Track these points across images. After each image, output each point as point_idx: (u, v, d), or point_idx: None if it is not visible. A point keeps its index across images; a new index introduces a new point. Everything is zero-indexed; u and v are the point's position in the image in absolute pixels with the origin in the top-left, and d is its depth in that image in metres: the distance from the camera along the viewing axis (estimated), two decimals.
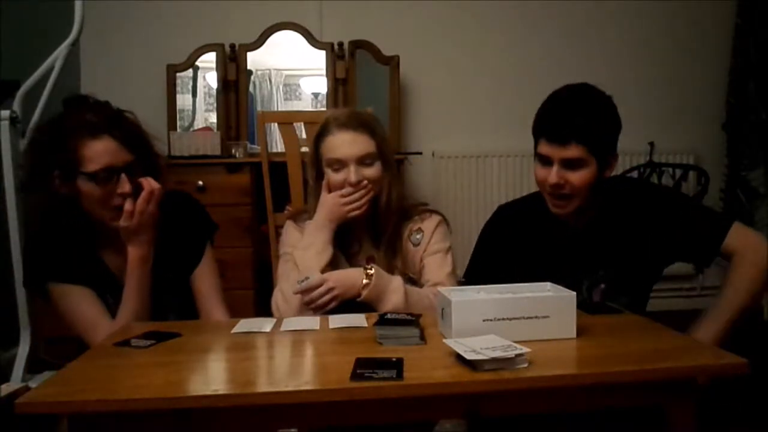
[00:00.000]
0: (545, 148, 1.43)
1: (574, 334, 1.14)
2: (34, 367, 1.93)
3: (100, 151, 1.37)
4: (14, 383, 1.77)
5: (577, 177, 1.41)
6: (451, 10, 3.51)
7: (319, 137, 1.57)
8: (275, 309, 1.51)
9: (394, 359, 1.01)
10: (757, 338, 2.97)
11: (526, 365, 0.98)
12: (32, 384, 1.52)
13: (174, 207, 1.54)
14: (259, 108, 3.40)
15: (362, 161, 1.52)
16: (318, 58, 3.33)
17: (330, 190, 1.53)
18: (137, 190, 1.41)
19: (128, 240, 1.42)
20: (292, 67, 3.51)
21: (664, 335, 1.19)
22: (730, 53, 3.56)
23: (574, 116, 1.40)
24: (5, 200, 1.96)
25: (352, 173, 1.50)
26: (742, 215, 3.52)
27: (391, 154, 1.60)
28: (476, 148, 3.52)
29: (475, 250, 1.65)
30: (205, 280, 1.56)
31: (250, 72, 3.35)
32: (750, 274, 1.42)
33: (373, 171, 1.53)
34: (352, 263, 1.57)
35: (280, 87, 3.53)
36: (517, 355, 0.97)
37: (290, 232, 1.62)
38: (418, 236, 1.58)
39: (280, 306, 1.50)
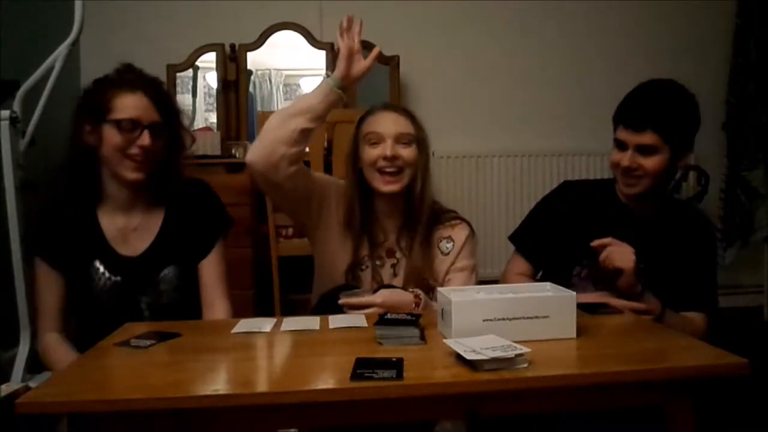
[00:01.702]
0: (622, 134, 1.51)
1: (574, 334, 1.14)
2: (34, 367, 1.92)
3: (130, 104, 1.45)
4: (14, 383, 1.76)
5: (649, 162, 1.49)
6: (451, 10, 3.51)
7: (361, 120, 1.58)
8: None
9: (394, 359, 1.01)
10: (757, 338, 2.97)
11: (526, 365, 0.98)
12: (32, 384, 1.52)
13: (191, 196, 1.57)
14: (259, 108, 3.41)
15: (400, 140, 1.51)
16: (318, 58, 3.33)
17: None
18: (153, 152, 1.45)
19: None
20: (292, 67, 3.52)
21: (664, 335, 1.19)
22: (730, 53, 3.56)
23: (651, 106, 1.49)
24: (5, 200, 1.95)
25: (388, 147, 1.49)
26: (742, 215, 3.53)
27: (427, 146, 1.59)
28: (476, 148, 3.52)
29: (530, 214, 1.71)
30: (210, 271, 1.57)
31: (250, 72, 3.35)
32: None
33: (409, 151, 1.52)
34: (375, 252, 1.57)
35: (280, 87, 3.53)
36: (517, 355, 0.97)
37: (339, 183, 1.62)
38: (448, 245, 1.58)
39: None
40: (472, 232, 1.61)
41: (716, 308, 1.60)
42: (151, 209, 1.55)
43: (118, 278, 1.49)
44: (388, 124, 1.53)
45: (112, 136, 1.43)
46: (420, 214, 1.55)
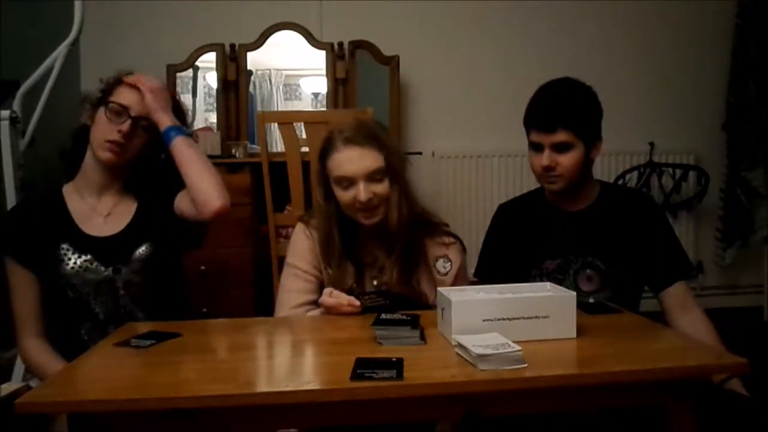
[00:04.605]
0: (536, 136, 1.59)
1: (574, 334, 1.14)
2: None
3: (126, 93, 1.53)
4: (14, 383, 1.77)
5: (566, 158, 1.56)
6: (451, 10, 3.51)
7: (324, 153, 1.51)
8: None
9: (394, 359, 1.01)
10: (757, 338, 2.97)
11: (525, 365, 0.98)
12: (32, 384, 1.52)
13: (163, 187, 1.61)
14: (259, 108, 3.40)
15: (371, 177, 1.46)
16: (318, 58, 3.33)
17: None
18: (131, 142, 1.51)
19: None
20: (292, 67, 3.51)
21: (664, 335, 1.19)
22: (730, 53, 3.56)
23: (557, 105, 1.58)
24: (5, 200, 1.96)
25: (361, 191, 1.44)
26: (742, 215, 3.53)
27: (401, 165, 1.54)
28: (476, 148, 3.52)
29: (482, 247, 1.76)
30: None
31: (250, 72, 3.35)
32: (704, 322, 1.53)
33: (382, 187, 1.47)
34: (365, 274, 1.54)
35: (280, 87, 3.53)
36: (516, 355, 0.97)
37: (299, 238, 1.57)
38: (446, 264, 1.55)
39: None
40: (464, 251, 1.61)
41: (691, 268, 1.64)
42: (124, 197, 1.60)
43: (88, 257, 1.51)
44: (356, 163, 1.46)
45: (100, 117, 1.51)
46: (401, 234, 1.50)
